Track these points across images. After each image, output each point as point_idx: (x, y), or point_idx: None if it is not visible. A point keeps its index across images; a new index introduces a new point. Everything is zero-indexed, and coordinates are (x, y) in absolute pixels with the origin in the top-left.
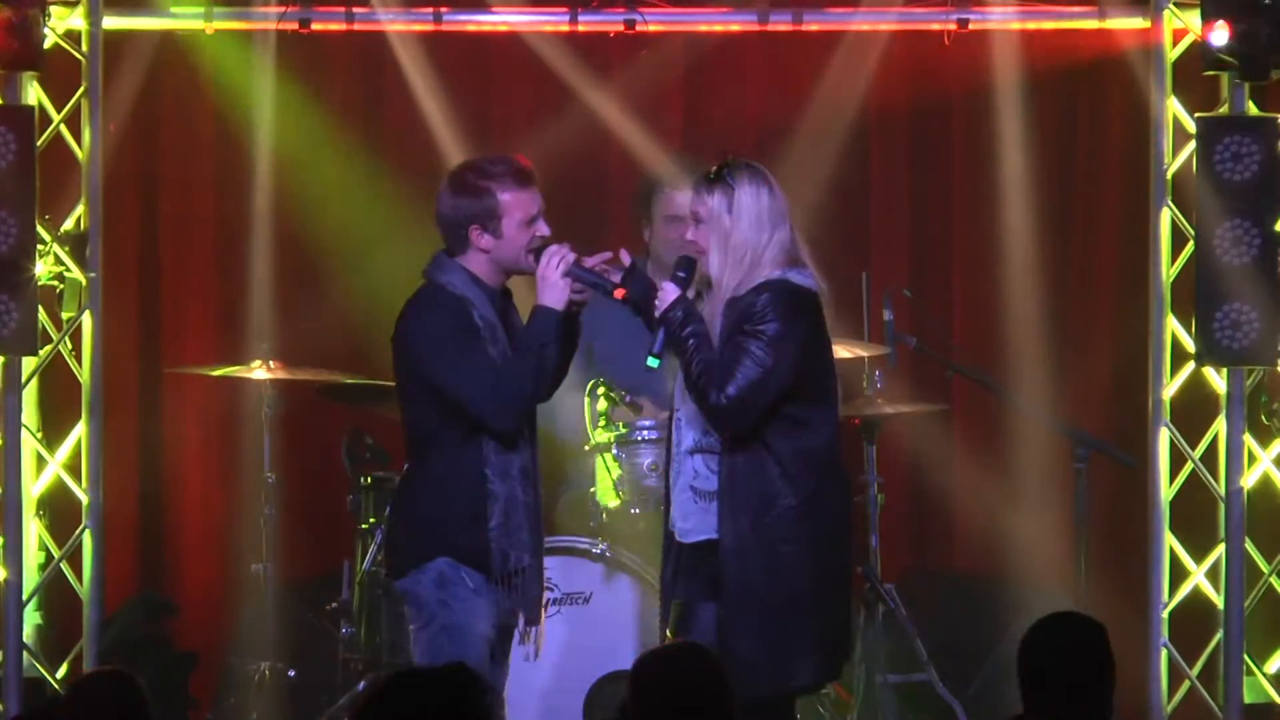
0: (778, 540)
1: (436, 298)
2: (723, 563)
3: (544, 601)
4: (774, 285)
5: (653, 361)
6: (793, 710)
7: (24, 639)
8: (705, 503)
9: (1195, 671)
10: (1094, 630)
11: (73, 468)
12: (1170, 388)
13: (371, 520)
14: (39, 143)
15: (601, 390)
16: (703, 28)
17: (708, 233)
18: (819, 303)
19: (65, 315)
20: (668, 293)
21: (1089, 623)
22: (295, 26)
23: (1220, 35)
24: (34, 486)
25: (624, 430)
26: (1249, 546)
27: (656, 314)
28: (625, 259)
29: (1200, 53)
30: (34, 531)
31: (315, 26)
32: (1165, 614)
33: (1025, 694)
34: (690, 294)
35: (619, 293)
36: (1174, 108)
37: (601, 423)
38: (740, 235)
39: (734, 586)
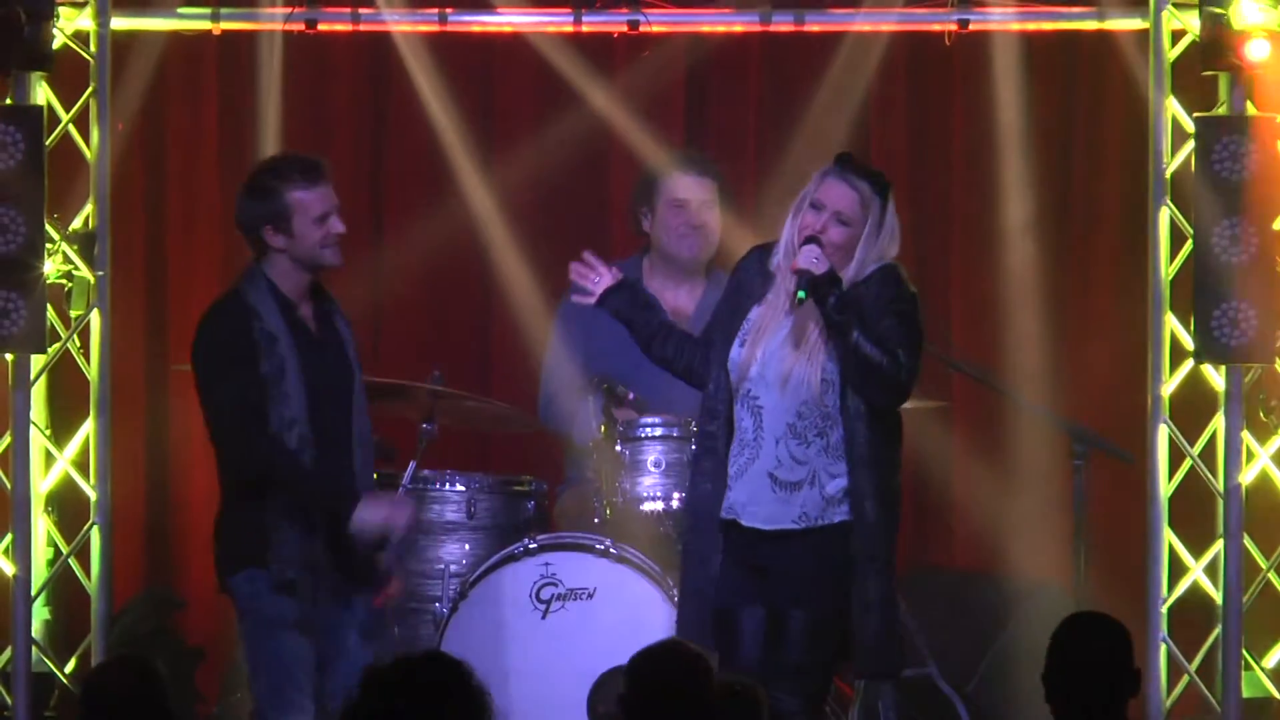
0: (894, 520)
1: (224, 311)
2: (860, 539)
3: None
4: (893, 268)
5: (800, 295)
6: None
7: (33, 634)
8: (785, 493)
9: (1194, 666)
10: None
11: (81, 464)
12: (1169, 385)
13: None
14: (48, 142)
15: (605, 387)
16: (705, 28)
17: (850, 235)
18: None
19: (73, 313)
20: (814, 253)
21: (1117, 627)
22: (302, 27)
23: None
24: (42, 483)
25: (628, 427)
26: (1247, 542)
27: (811, 270)
28: (597, 273)
29: (1198, 53)
30: (42, 527)
31: (321, 27)
32: (1164, 609)
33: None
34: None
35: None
36: (1173, 107)
37: (605, 420)
38: (879, 248)
39: (862, 565)
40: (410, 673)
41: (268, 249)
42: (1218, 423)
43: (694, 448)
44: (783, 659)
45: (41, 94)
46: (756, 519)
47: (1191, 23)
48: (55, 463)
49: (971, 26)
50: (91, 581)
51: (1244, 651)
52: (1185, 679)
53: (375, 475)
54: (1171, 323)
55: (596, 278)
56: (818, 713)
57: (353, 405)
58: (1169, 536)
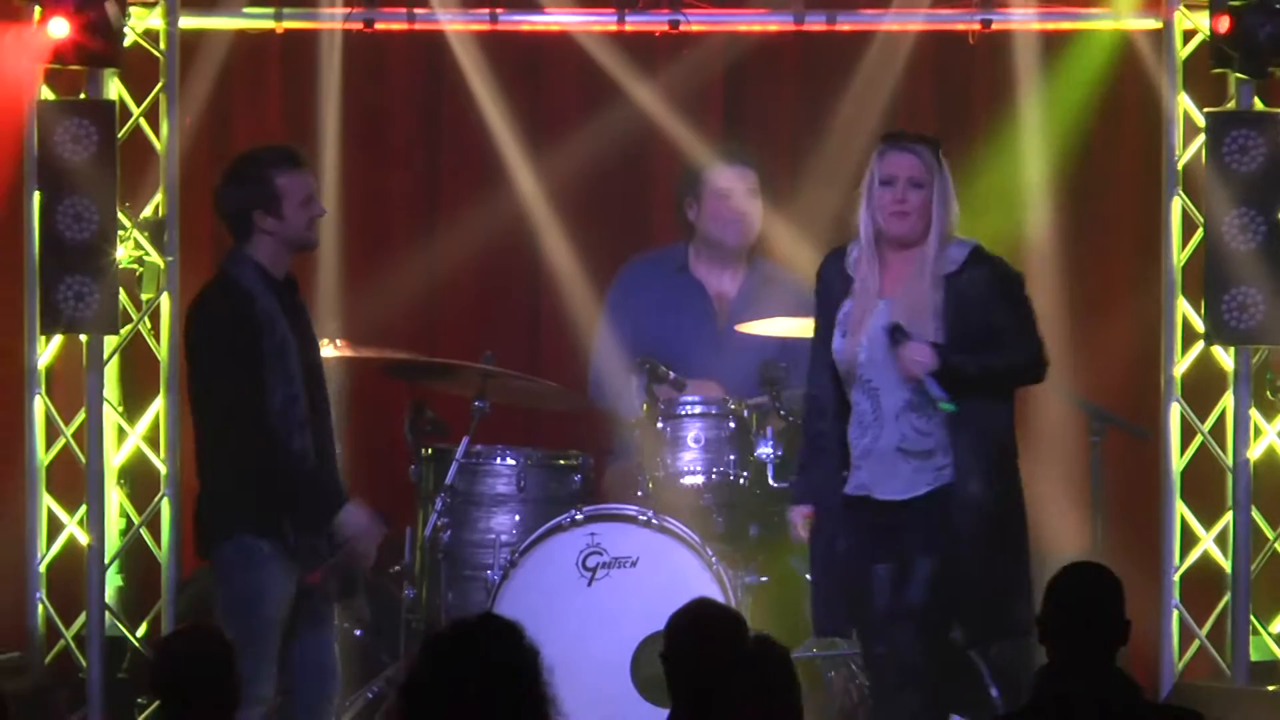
0: (1011, 483)
1: (223, 292)
2: (956, 502)
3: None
4: (980, 250)
5: (947, 407)
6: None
7: (106, 600)
8: (917, 461)
9: (1204, 631)
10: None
11: (151, 439)
12: (1181, 365)
13: (432, 488)
14: (119, 135)
15: (649, 367)
16: (742, 27)
17: (925, 195)
18: None
19: (144, 296)
20: (924, 354)
21: (1111, 577)
22: (360, 26)
23: (1222, 24)
24: (115, 457)
25: (669, 405)
26: (1255, 514)
27: (930, 387)
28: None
29: (1209, 51)
30: (115, 499)
31: (379, 26)
32: (1176, 577)
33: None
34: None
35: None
36: (1184, 103)
37: (648, 398)
38: (950, 210)
39: (974, 527)
40: (469, 635)
41: (253, 233)
42: (1227, 401)
43: (803, 448)
44: (906, 603)
45: (114, 89)
46: (889, 491)
47: (1202, 23)
48: (127, 438)
49: (994, 26)
50: (161, 550)
51: (1252, 617)
52: (1196, 643)
53: (430, 450)
54: (1184, 307)
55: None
56: (934, 667)
57: (323, 378)
58: (1181, 509)
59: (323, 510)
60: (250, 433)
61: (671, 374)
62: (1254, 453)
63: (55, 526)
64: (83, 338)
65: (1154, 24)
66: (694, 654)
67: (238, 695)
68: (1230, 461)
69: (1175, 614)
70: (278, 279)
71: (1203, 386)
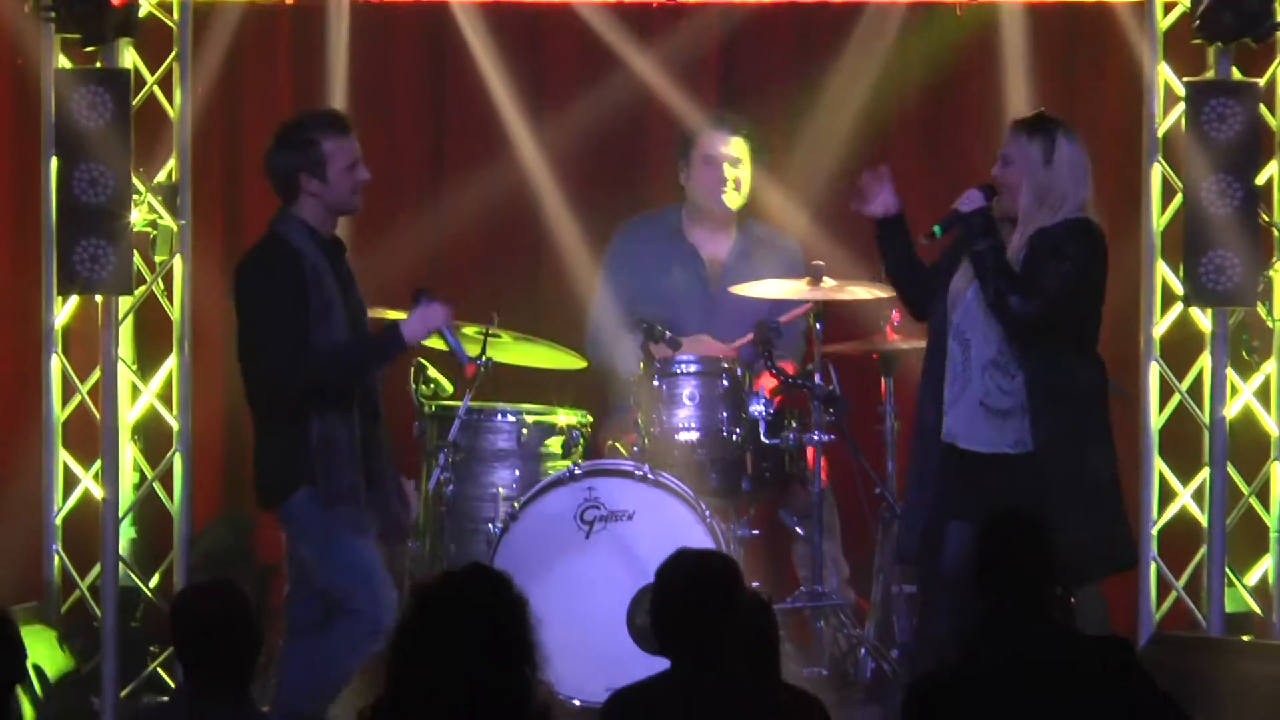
0: (1094, 436)
1: (274, 252)
2: (1040, 461)
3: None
4: (1080, 221)
5: (936, 230)
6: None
7: (120, 551)
8: (998, 420)
9: (1182, 583)
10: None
11: (164, 397)
12: (1160, 326)
13: (435, 445)
14: (134, 103)
15: (645, 326)
16: None
17: (1019, 174)
18: (1105, 243)
19: (158, 259)
20: (973, 198)
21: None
22: None
23: None
24: (129, 414)
25: (665, 364)
26: (1231, 470)
27: (959, 209)
28: (880, 188)
29: (1188, 23)
30: (129, 454)
31: None
32: (1154, 531)
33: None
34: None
35: (469, 368)
36: (1165, 73)
37: (644, 357)
38: (1057, 182)
39: (1057, 481)
40: (457, 585)
41: (300, 195)
42: (1204, 361)
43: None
44: (1079, 576)
45: (128, 59)
46: (973, 443)
47: None
48: (141, 395)
49: None
50: (174, 504)
51: (1227, 570)
52: (1173, 595)
53: (433, 408)
54: (1163, 269)
55: (877, 193)
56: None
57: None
58: (1159, 465)
59: (371, 467)
60: (301, 385)
61: (667, 333)
62: (1230, 411)
63: (71, 481)
64: (98, 298)
65: None
66: (683, 604)
67: (256, 650)
68: (1207, 419)
69: (1153, 566)
70: (325, 239)
71: (1181, 347)
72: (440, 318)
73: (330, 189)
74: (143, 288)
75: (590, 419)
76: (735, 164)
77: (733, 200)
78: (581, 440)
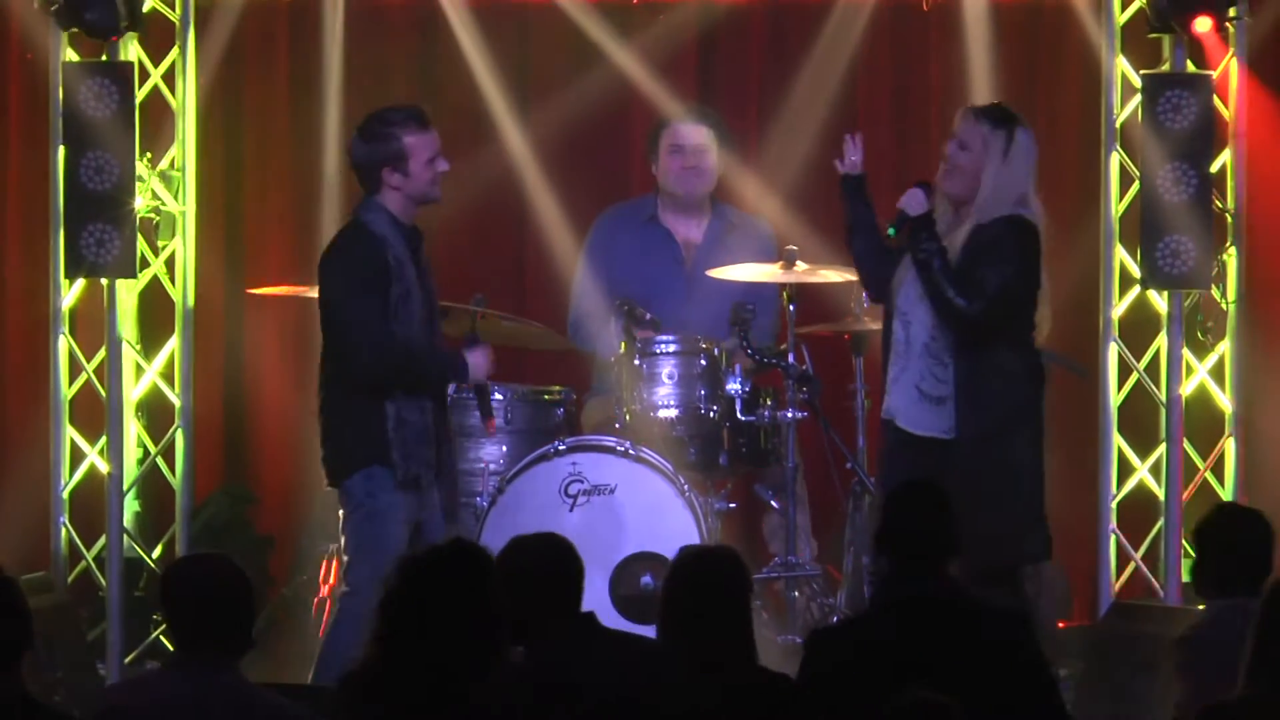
0: (1016, 428)
1: (358, 238)
2: (961, 449)
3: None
4: (1018, 220)
5: (891, 231)
6: (1020, 581)
7: (124, 524)
8: (931, 405)
9: (1140, 554)
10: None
11: (167, 376)
12: (1118, 308)
13: None
14: (139, 94)
15: (627, 309)
16: None
17: (976, 161)
18: (1041, 239)
19: (161, 243)
20: (915, 197)
21: (939, 495)
22: None
23: None
24: (133, 392)
25: (645, 344)
26: (1187, 446)
27: (905, 211)
28: (855, 149)
29: (1145, 17)
30: (133, 431)
31: None
32: (1114, 504)
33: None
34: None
35: (490, 424)
36: (1122, 65)
37: (626, 338)
38: (1012, 177)
39: (976, 469)
40: (439, 560)
41: (382, 187)
42: (1161, 341)
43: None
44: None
45: (133, 52)
46: (910, 423)
47: None
48: (144, 374)
49: None
50: (176, 478)
51: (1183, 541)
52: (1132, 565)
53: None
54: (1121, 254)
55: (854, 152)
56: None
57: (439, 329)
58: (1118, 441)
59: (440, 451)
60: (378, 369)
61: (648, 315)
62: (1186, 389)
63: (77, 456)
64: (104, 281)
65: None
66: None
67: (249, 623)
68: (1164, 397)
69: (1113, 538)
70: (407, 228)
71: (1138, 328)
72: (490, 366)
73: (411, 182)
74: (146, 271)
75: (574, 396)
76: (699, 151)
77: (696, 185)
78: (566, 416)
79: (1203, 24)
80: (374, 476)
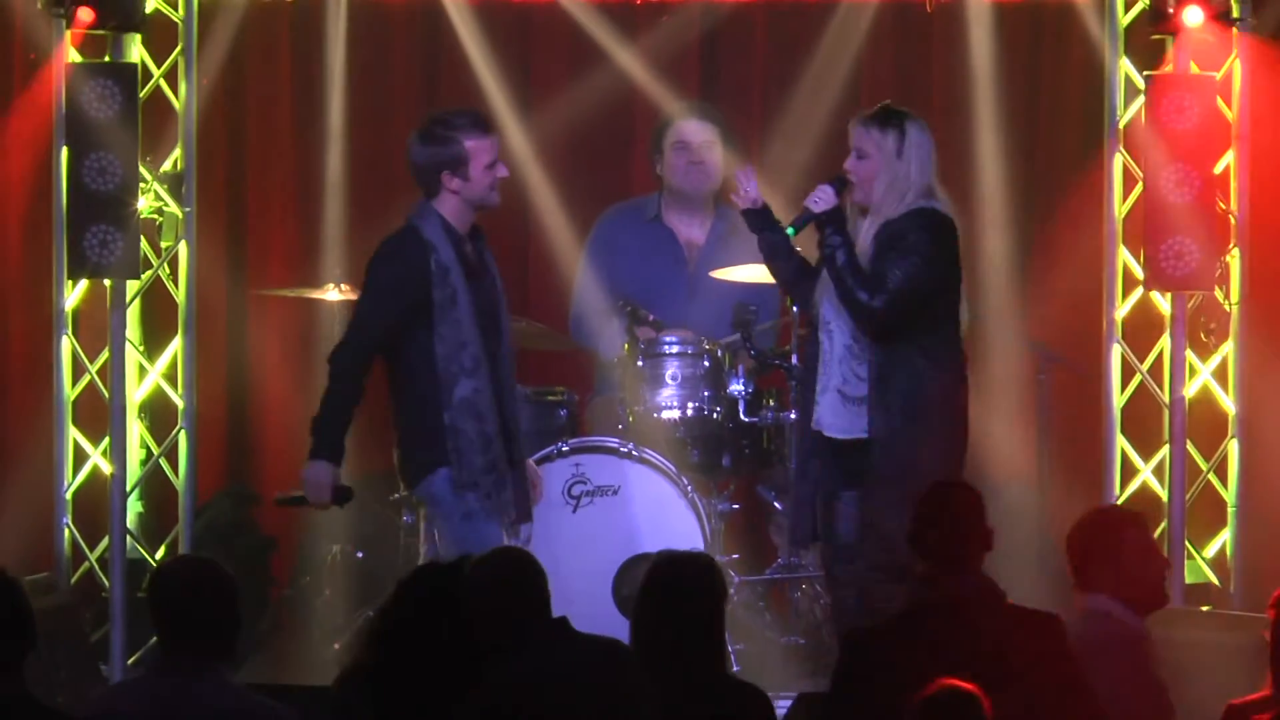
0: (926, 430)
1: (402, 242)
2: (875, 453)
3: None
4: (925, 212)
5: (791, 230)
6: None
7: (127, 525)
8: (854, 406)
9: None
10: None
11: (170, 377)
12: (1122, 309)
13: None
14: (141, 95)
15: (629, 309)
16: None
17: (873, 167)
18: (956, 228)
19: (164, 244)
20: (824, 194)
21: (970, 491)
22: None
23: None
24: (136, 393)
25: (649, 345)
26: (1190, 448)
27: (810, 207)
28: (749, 181)
29: (1148, 19)
30: (136, 432)
31: None
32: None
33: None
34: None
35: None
36: (1125, 66)
37: (628, 338)
38: (907, 173)
39: (885, 472)
40: (412, 580)
41: (440, 190)
42: (1164, 343)
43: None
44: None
45: (136, 53)
46: (834, 429)
47: None
48: (147, 375)
49: None
50: (179, 479)
51: (1186, 543)
52: None
53: None
54: (1124, 255)
55: (747, 183)
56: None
57: (504, 327)
58: (1121, 442)
59: (510, 451)
60: (336, 366)
61: (651, 316)
62: (1189, 390)
63: (81, 457)
64: (107, 282)
65: None
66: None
67: (235, 629)
68: (1167, 398)
69: None
70: (460, 233)
71: (1141, 329)
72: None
73: (471, 186)
74: (149, 272)
75: (577, 397)
76: (705, 148)
77: (702, 182)
78: (569, 418)
79: (1193, 15)
80: (437, 480)
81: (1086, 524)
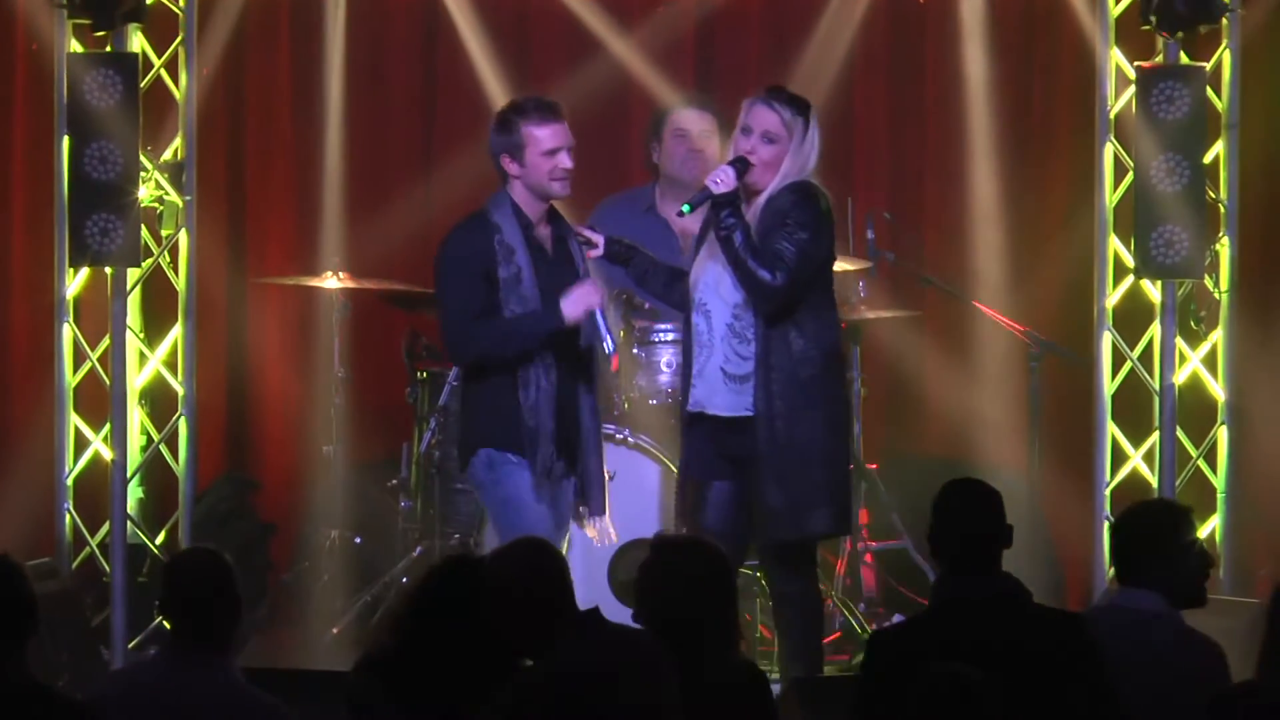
0: (803, 407)
1: (470, 225)
2: (756, 427)
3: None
4: (802, 185)
5: (685, 208)
6: (813, 555)
7: (128, 510)
8: (736, 384)
9: None
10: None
11: (170, 364)
12: (1112, 297)
13: (426, 409)
14: (142, 85)
15: (625, 299)
16: None
17: (780, 152)
18: (830, 199)
19: (164, 233)
20: (725, 175)
21: (986, 488)
22: None
23: None
24: (137, 380)
25: (643, 333)
26: (1180, 434)
27: (710, 188)
28: (594, 239)
29: (1138, 9)
30: (137, 418)
31: None
32: (1107, 492)
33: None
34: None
35: (614, 360)
36: (1116, 57)
37: (624, 326)
38: (804, 162)
39: (766, 448)
40: (431, 577)
41: (506, 175)
42: (1154, 330)
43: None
44: (766, 536)
45: (137, 43)
46: (715, 407)
47: None
48: (148, 362)
49: None
50: (179, 465)
51: None
52: None
53: (424, 374)
54: (1115, 244)
55: (596, 240)
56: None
57: None
58: (1112, 429)
59: (570, 440)
60: (464, 353)
61: (646, 305)
62: (1179, 378)
63: (82, 443)
64: (108, 270)
65: None
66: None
67: (235, 619)
68: (1157, 386)
69: (1106, 525)
70: (529, 218)
71: (1132, 317)
72: (597, 298)
73: (528, 172)
74: (150, 260)
75: None
76: (703, 136)
77: (703, 171)
78: None
79: None
80: (487, 459)
81: (1139, 514)
